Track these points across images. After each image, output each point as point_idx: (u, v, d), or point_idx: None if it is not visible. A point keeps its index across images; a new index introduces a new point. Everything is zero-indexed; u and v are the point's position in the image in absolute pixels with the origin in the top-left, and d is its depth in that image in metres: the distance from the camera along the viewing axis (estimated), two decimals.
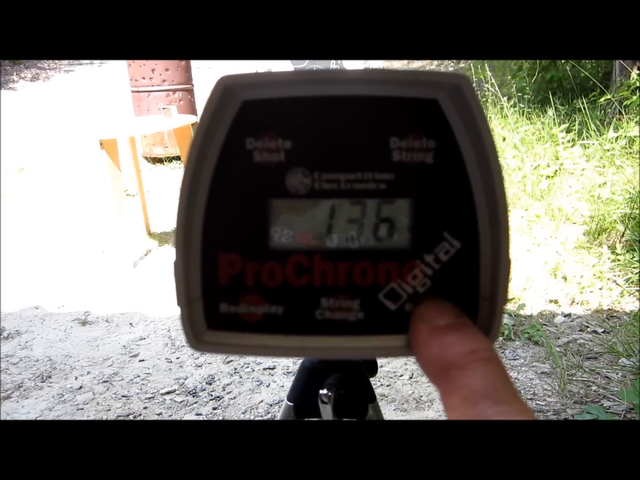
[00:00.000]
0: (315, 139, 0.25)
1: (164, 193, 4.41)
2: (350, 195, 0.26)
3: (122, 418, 1.75)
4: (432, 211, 0.26)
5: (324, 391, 0.53)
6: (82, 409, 1.81)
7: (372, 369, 0.60)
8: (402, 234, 0.26)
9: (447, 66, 9.55)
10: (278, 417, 0.58)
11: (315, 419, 0.57)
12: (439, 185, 0.26)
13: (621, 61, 4.30)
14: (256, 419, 1.71)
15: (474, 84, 0.24)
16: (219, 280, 0.26)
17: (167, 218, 3.78)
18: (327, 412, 0.52)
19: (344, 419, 0.56)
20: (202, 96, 5.76)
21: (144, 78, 4.75)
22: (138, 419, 1.74)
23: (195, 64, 6.00)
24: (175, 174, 4.87)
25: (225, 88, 0.24)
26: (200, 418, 1.72)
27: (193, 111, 4.93)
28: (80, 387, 1.93)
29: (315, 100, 0.25)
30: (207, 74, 9.03)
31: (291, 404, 0.58)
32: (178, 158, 4.94)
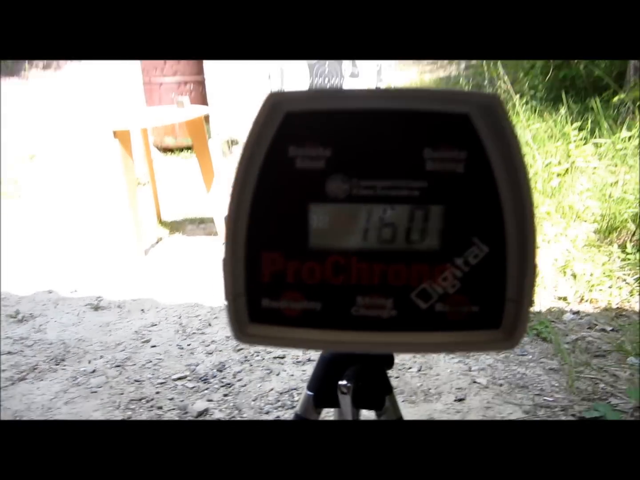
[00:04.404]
0: (354, 148, 0.27)
1: (175, 182, 4.44)
2: (386, 201, 0.27)
3: (135, 402, 1.78)
4: (463, 217, 0.27)
5: (343, 382, 0.54)
6: (96, 392, 1.85)
7: (389, 362, 0.61)
8: (434, 238, 0.28)
9: (459, 62, 9.45)
10: (297, 406, 0.60)
11: (321, 420, 0.59)
12: (469, 193, 0.27)
13: (636, 61, 4.25)
14: (266, 406, 1.74)
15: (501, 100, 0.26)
16: (262, 277, 0.28)
17: (178, 207, 3.81)
18: (346, 403, 0.54)
19: (362, 409, 0.58)
20: (213, 88, 5.75)
21: (156, 69, 4.77)
22: (151, 403, 1.78)
23: None
24: (185, 163, 4.90)
25: (273, 102, 0.26)
26: (212, 404, 1.76)
27: (204, 103, 4.94)
28: (94, 371, 1.97)
29: (355, 113, 0.27)
30: (219, 65, 9.00)
31: (311, 393, 0.60)
32: (189, 148, 4.96)
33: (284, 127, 0.27)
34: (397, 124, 0.27)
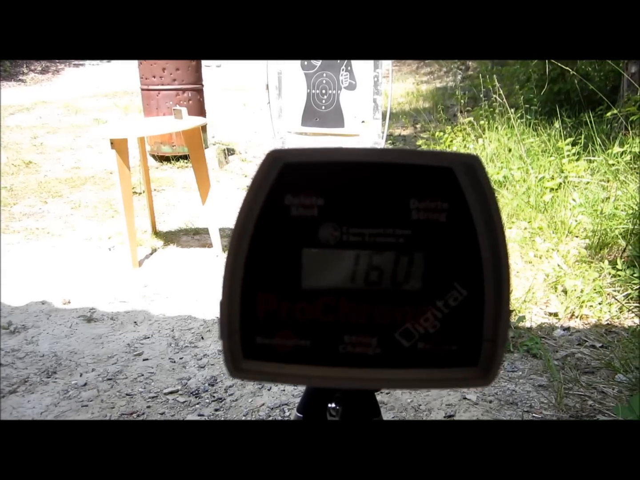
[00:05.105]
0: (345, 197, 0.29)
1: (170, 192, 4.45)
2: (373, 247, 0.29)
3: (125, 416, 1.78)
4: (444, 263, 0.29)
5: (332, 405, 0.56)
6: (87, 405, 1.85)
7: None
8: (417, 281, 0.30)
9: (456, 73, 9.52)
10: None
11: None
12: (450, 241, 0.29)
13: (629, 77, 4.33)
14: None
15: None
16: (257, 316, 0.30)
17: (173, 217, 3.82)
18: None
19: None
20: (211, 96, 5.76)
21: (154, 77, 4.80)
22: (141, 417, 1.78)
23: (204, 62, 6.04)
24: (181, 173, 4.91)
25: (273, 155, 0.28)
26: (203, 419, 1.76)
27: (202, 111, 4.97)
28: (85, 384, 1.97)
29: (346, 165, 0.29)
30: (216, 72, 9.03)
31: (301, 415, 0.61)
32: (185, 157, 4.98)
33: (281, 177, 0.29)
34: (386, 176, 0.29)
